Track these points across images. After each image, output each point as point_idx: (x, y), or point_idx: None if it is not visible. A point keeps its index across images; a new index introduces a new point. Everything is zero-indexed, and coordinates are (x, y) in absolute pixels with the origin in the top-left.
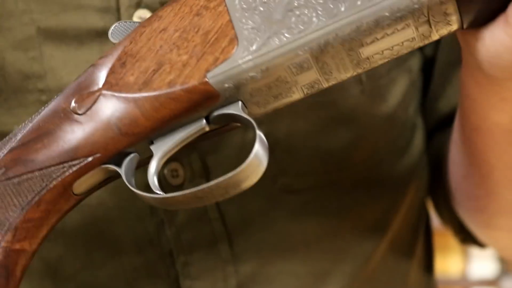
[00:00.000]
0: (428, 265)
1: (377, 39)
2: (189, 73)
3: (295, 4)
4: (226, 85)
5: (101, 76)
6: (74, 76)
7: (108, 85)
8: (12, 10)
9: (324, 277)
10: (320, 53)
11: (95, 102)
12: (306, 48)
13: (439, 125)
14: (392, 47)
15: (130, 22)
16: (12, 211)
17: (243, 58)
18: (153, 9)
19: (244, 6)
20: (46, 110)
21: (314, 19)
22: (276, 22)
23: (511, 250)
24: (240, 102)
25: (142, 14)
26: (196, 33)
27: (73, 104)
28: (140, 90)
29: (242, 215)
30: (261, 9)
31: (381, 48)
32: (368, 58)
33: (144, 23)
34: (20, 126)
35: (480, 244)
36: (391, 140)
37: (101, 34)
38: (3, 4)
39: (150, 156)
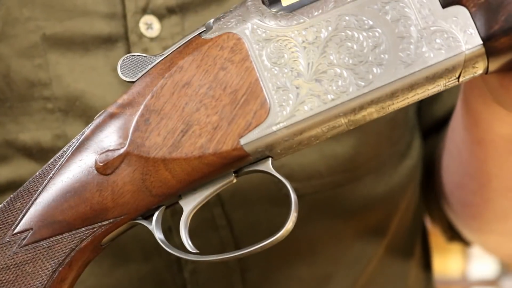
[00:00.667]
0: (426, 263)
1: (408, 98)
2: (221, 137)
3: (327, 67)
4: (259, 149)
5: (124, 132)
6: (80, 83)
7: (134, 145)
8: (17, 17)
9: (328, 280)
10: (353, 115)
11: (121, 162)
12: (341, 113)
13: (433, 128)
14: (419, 99)
15: (139, 55)
16: (44, 274)
17: (276, 125)
18: (159, 15)
19: (272, 63)
20: (66, 164)
21: (349, 86)
22: (308, 85)
23: (502, 251)
24: (270, 159)
25: (148, 20)
26: (224, 90)
27: (98, 163)
28: (170, 153)
29: (249, 222)
30: (290, 68)
31: (409, 102)
32: (394, 109)
33: (163, 72)
34: (35, 175)
35: (466, 242)
36: (392, 143)
37: (107, 41)
38: (8, 11)
39: (177, 202)
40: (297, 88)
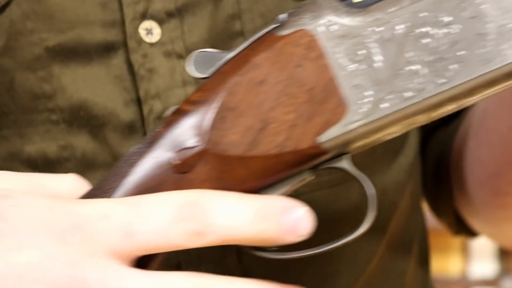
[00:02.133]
0: (424, 260)
1: (486, 94)
2: (298, 136)
3: (404, 64)
4: (336, 146)
5: (199, 129)
6: (82, 93)
7: (210, 143)
8: (21, 30)
9: (330, 279)
10: (431, 112)
11: (198, 161)
12: (419, 111)
13: (441, 121)
14: (496, 94)
15: (209, 51)
16: None
17: (355, 123)
18: (159, 20)
19: (347, 60)
20: (140, 162)
21: (428, 83)
22: (386, 82)
23: None
24: (346, 156)
25: (148, 25)
26: (300, 88)
27: (174, 161)
28: (247, 151)
29: None
30: (366, 66)
31: (487, 97)
32: (471, 104)
33: (237, 69)
34: (104, 176)
35: (472, 234)
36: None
37: (109, 49)
38: (11, 24)
39: None
40: (375, 85)
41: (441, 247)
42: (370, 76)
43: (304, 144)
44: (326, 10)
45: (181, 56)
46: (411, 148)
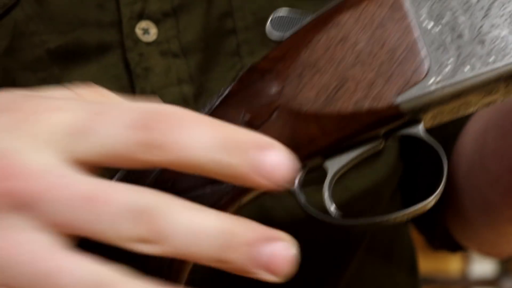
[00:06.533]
0: (410, 267)
1: None
2: (376, 95)
3: (489, 28)
4: (413, 109)
5: (274, 85)
6: None
7: (285, 98)
8: (23, 31)
9: (316, 279)
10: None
11: (270, 116)
12: (501, 77)
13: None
14: None
15: (290, 13)
16: None
17: (436, 84)
18: (155, 20)
19: (432, 23)
20: (212, 116)
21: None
22: (469, 45)
23: None
24: (422, 123)
25: (145, 25)
26: (381, 48)
27: (245, 116)
28: (322, 108)
29: None
30: (453, 28)
31: None
32: None
33: (318, 28)
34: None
35: (456, 248)
36: None
37: (107, 49)
38: (15, 25)
39: (319, 167)
40: (458, 48)
41: None
42: (454, 39)
43: (381, 103)
44: None
45: (177, 55)
46: (394, 150)
